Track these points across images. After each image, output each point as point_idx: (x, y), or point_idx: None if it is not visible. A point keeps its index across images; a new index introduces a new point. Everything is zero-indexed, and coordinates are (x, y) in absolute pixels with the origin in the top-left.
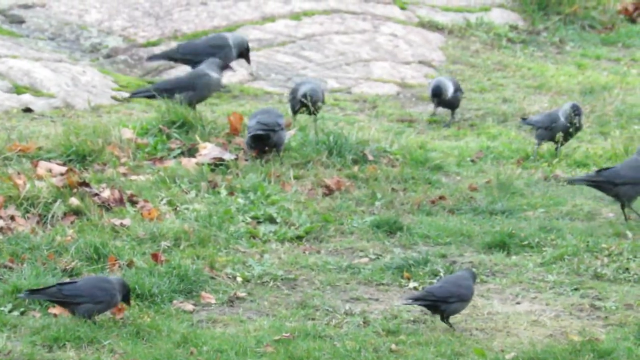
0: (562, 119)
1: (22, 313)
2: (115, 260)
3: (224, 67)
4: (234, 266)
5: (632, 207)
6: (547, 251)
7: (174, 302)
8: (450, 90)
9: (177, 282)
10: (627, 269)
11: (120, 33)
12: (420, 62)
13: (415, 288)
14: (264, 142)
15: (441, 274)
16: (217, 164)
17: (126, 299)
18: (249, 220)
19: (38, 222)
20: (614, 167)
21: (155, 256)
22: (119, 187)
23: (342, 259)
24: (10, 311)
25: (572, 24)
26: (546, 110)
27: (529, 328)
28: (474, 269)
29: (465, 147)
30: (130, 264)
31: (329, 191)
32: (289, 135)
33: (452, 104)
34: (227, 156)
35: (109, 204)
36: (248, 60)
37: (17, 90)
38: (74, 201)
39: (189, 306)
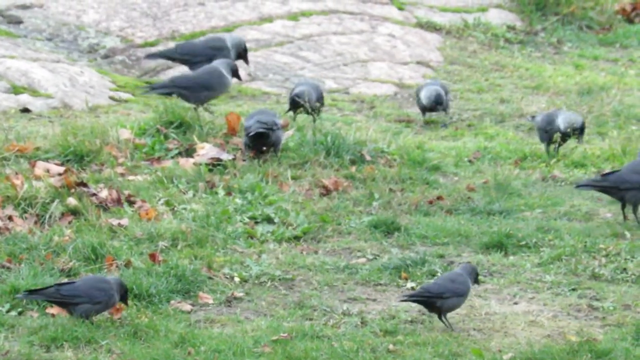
0: (561, 126)
1: (19, 313)
2: (113, 261)
3: (235, 71)
4: (232, 266)
5: (638, 212)
6: (544, 251)
7: (172, 302)
8: (444, 97)
9: (175, 282)
10: (624, 269)
11: (117, 33)
12: (418, 63)
13: (412, 288)
14: (263, 141)
15: (439, 274)
16: (215, 164)
17: (124, 299)
18: (247, 220)
19: (36, 222)
20: (618, 171)
21: (152, 256)
22: (117, 187)
23: (340, 259)
24: (7, 311)
25: (569, 25)
26: (545, 110)
27: (526, 328)
28: (473, 264)
29: (462, 147)
30: (127, 264)
31: (326, 191)
32: (287, 136)
33: (445, 108)
34: (225, 156)
35: (106, 204)
36: (246, 61)
37: (15, 90)
38: (72, 201)
39: (186, 306)
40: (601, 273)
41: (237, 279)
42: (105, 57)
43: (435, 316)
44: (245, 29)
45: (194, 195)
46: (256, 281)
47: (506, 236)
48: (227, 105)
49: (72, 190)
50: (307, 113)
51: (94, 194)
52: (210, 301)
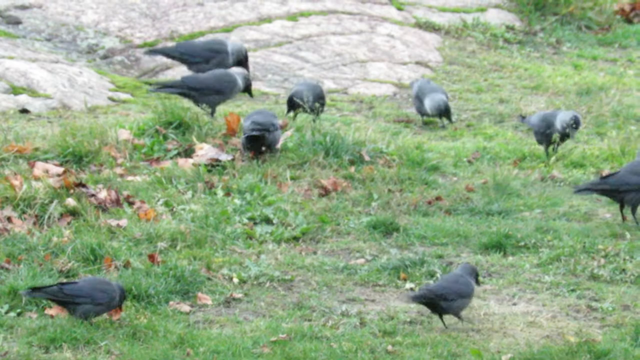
0: (559, 126)
1: (18, 314)
2: (112, 261)
3: (248, 86)
4: (231, 267)
5: (637, 213)
6: (543, 252)
7: (171, 303)
8: (450, 107)
9: (174, 283)
10: (623, 269)
11: (116, 34)
12: (417, 63)
13: (411, 289)
14: (259, 143)
15: (438, 275)
16: (214, 165)
17: (120, 304)
18: (246, 221)
19: (35, 223)
20: (617, 173)
21: (151, 257)
22: (116, 187)
23: (339, 259)
24: (6, 312)
25: (568, 25)
26: (541, 110)
27: (525, 329)
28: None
29: (461, 147)
30: (126, 265)
31: (325, 192)
32: (286, 136)
33: (450, 117)
34: (224, 157)
35: (105, 205)
36: (247, 68)
37: (14, 91)
38: (71, 202)
39: (185, 307)
40: (600, 274)
41: (236, 280)
42: (104, 57)
43: (434, 317)
44: (244, 29)
45: (192, 195)
46: (255, 282)
47: (505, 236)
48: (226, 106)
49: (71, 191)
50: (306, 113)
51: (93, 195)
52: (209, 302)
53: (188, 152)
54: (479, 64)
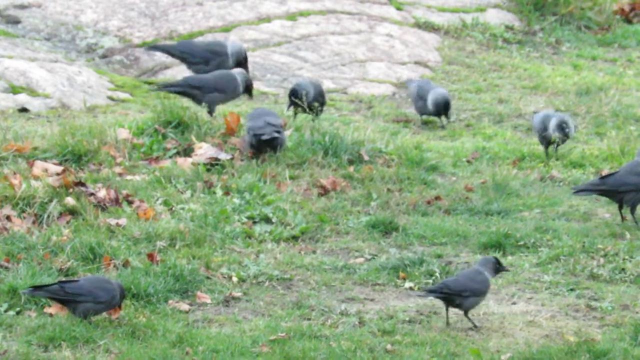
0: (550, 130)
1: (17, 313)
2: (111, 260)
3: (248, 86)
4: (230, 266)
5: (636, 213)
6: (543, 251)
7: (170, 302)
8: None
9: (173, 282)
10: (623, 269)
11: (116, 33)
12: (416, 63)
13: (411, 288)
14: (273, 144)
15: (437, 274)
16: (213, 164)
17: (120, 303)
18: (245, 220)
19: (34, 222)
20: (616, 173)
21: (150, 256)
22: (115, 187)
23: (338, 259)
24: (6, 311)
25: (568, 25)
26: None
27: (524, 328)
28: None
29: (461, 147)
30: (125, 264)
31: (324, 191)
32: (286, 136)
33: (449, 115)
34: (223, 156)
35: (104, 204)
36: (246, 69)
37: (13, 90)
38: (70, 201)
39: (184, 306)
40: (599, 273)
41: (235, 279)
42: (103, 56)
43: (433, 316)
44: (243, 28)
45: (192, 195)
46: (254, 281)
47: (504, 236)
48: (225, 106)
49: (70, 190)
50: (305, 111)
51: (92, 194)
52: (208, 301)
53: (187, 152)
54: (478, 64)
